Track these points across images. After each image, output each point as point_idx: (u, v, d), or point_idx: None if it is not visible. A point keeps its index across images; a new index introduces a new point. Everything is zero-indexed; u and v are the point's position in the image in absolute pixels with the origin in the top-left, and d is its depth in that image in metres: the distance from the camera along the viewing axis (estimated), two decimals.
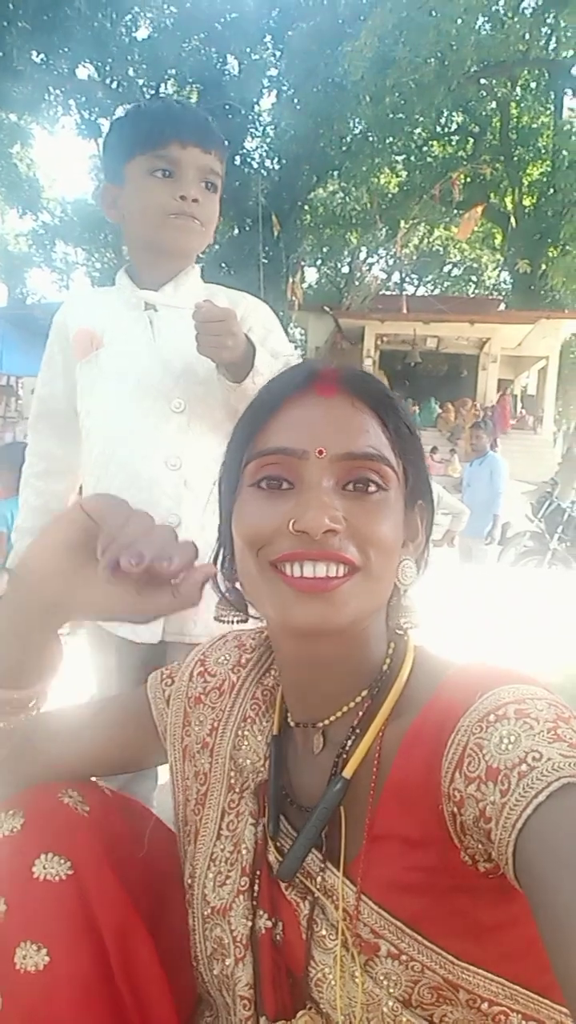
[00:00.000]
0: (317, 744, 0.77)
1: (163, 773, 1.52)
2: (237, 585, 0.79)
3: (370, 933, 0.68)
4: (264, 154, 20.94)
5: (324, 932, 0.70)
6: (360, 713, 0.75)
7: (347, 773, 0.72)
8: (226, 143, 1.40)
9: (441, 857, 0.66)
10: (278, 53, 19.15)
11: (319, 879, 0.72)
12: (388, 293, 20.00)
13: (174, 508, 1.33)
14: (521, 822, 0.56)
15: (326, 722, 0.77)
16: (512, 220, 18.98)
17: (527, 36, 13.81)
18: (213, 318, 1.21)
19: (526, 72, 16.82)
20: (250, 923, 0.74)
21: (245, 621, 0.81)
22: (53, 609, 0.74)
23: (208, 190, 1.36)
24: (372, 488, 0.70)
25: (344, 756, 0.74)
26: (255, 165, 20.43)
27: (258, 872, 0.75)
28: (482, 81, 15.96)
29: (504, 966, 0.66)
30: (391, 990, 0.66)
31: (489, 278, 26.79)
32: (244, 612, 0.80)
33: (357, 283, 21.12)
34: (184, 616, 1.36)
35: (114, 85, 18.61)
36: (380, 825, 0.70)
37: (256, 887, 0.75)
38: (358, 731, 0.74)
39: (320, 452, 0.69)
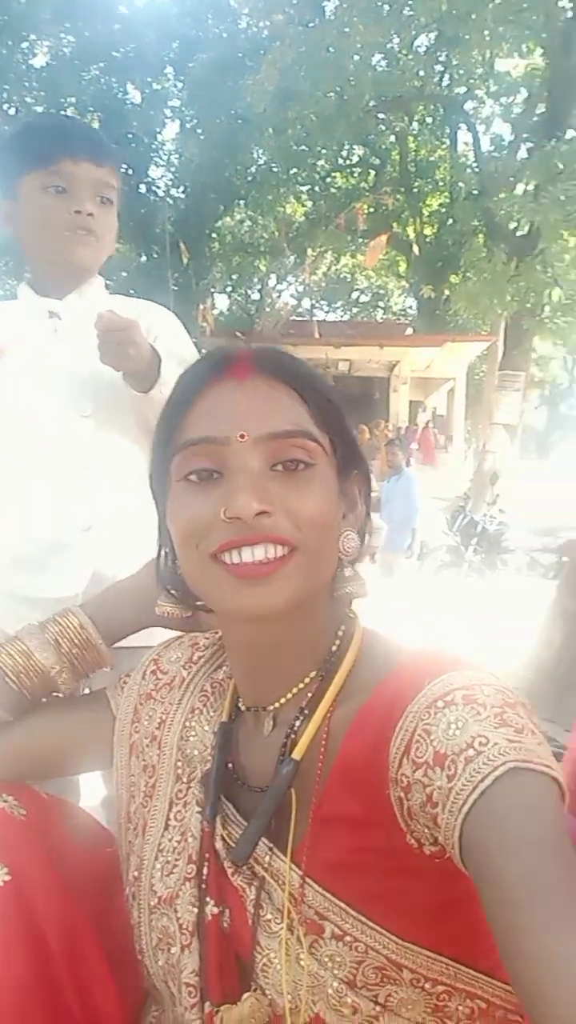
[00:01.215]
0: (267, 726, 0.77)
1: (85, 792, 1.48)
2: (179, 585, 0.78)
3: (315, 915, 0.67)
4: (170, 183, 21.05)
5: (270, 916, 0.69)
6: (309, 694, 0.75)
7: (296, 755, 0.71)
8: (120, 156, 1.41)
9: (387, 839, 0.66)
10: (180, 84, 19.35)
11: (266, 862, 0.70)
12: (299, 319, 20.31)
13: (86, 510, 1.31)
14: (467, 806, 0.57)
15: (276, 704, 0.76)
16: (415, 248, 19.68)
17: (421, 73, 14.42)
18: (114, 327, 1.21)
19: (422, 107, 17.57)
20: (196, 910, 0.72)
21: (190, 616, 0.81)
22: None
23: (103, 204, 1.35)
24: (300, 465, 0.69)
25: (293, 737, 0.73)
26: (161, 193, 20.48)
27: (206, 858, 0.74)
28: (380, 116, 16.55)
29: (447, 946, 0.68)
30: (336, 972, 0.67)
31: (396, 304, 27.68)
32: (189, 606, 0.79)
33: (268, 309, 21.39)
34: None
35: (12, 111, 18.32)
36: (327, 807, 0.69)
37: (204, 874, 0.74)
38: (307, 711, 0.74)
39: (242, 436, 0.68)
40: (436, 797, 0.60)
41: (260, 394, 0.70)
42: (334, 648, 0.77)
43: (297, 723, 0.75)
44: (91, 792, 1.52)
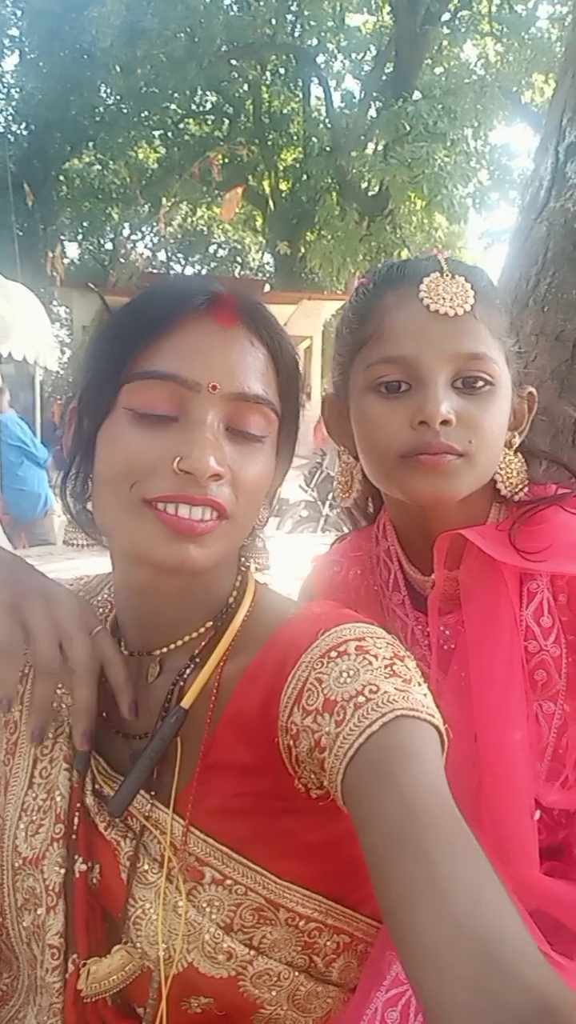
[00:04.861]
0: (152, 673, 0.76)
1: None
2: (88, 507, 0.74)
3: (195, 861, 0.68)
4: (10, 118, 19.56)
5: (147, 867, 0.69)
6: (203, 643, 0.74)
7: (185, 703, 0.71)
8: None
9: (275, 783, 0.68)
10: (19, 12, 17.88)
11: (145, 811, 0.70)
12: (155, 272, 19.72)
13: None
14: (353, 750, 0.59)
15: (164, 650, 0.75)
16: (270, 203, 19.55)
17: (273, 21, 14.20)
18: None
19: (274, 57, 17.30)
20: (63, 870, 0.71)
21: (94, 544, 0.76)
22: None
23: None
24: (255, 433, 0.68)
25: (182, 685, 0.73)
26: (0, 128, 19.02)
27: (76, 814, 0.72)
28: (233, 62, 16.16)
29: (322, 883, 0.70)
30: (213, 916, 0.67)
31: (253, 260, 27.44)
32: (95, 535, 0.74)
33: (122, 260, 20.58)
34: None
35: None
36: (215, 754, 0.70)
37: (74, 831, 0.72)
38: (198, 660, 0.73)
39: (214, 387, 0.65)
40: (324, 742, 0.61)
41: (241, 349, 0.67)
42: (230, 600, 0.76)
43: (187, 671, 0.74)
44: None
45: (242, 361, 0.67)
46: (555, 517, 0.87)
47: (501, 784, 0.83)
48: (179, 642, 0.75)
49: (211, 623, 0.75)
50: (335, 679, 0.63)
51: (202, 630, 0.75)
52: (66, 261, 19.22)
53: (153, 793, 0.71)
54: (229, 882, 0.68)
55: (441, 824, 0.53)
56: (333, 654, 0.65)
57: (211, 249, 27.15)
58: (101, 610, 0.85)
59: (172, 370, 0.65)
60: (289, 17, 15.21)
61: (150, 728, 0.73)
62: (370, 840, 0.55)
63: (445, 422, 0.78)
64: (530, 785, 0.83)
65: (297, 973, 0.70)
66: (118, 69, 15.04)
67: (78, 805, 0.73)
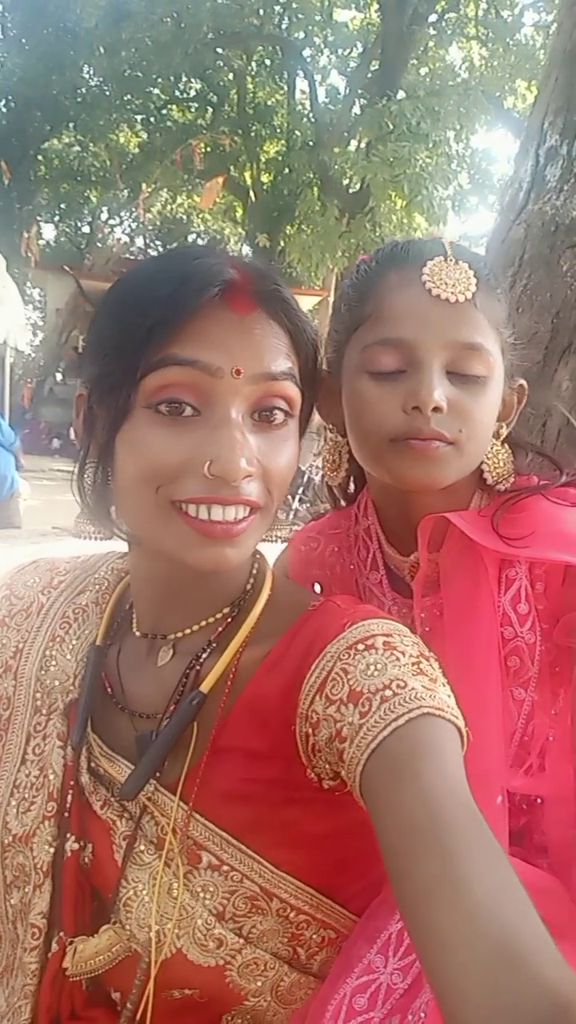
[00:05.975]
0: (164, 656, 0.75)
1: None
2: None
3: (193, 845, 0.68)
4: None
5: (143, 847, 0.69)
6: (220, 629, 0.74)
7: (205, 688, 0.70)
8: None
9: (285, 771, 0.68)
10: None
11: (148, 792, 0.70)
12: (132, 257, 19.50)
13: None
14: (376, 742, 0.59)
15: (179, 634, 0.75)
16: (252, 195, 19.43)
17: (261, 11, 14.12)
18: None
19: (260, 48, 17.19)
20: (53, 848, 0.71)
21: (109, 538, 0.75)
22: None
23: None
24: (279, 418, 0.68)
25: (198, 668, 0.73)
26: None
27: (69, 791, 0.72)
28: (219, 51, 16.02)
29: (316, 875, 0.70)
30: (207, 902, 0.67)
31: (232, 251, 27.24)
32: (109, 528, 0.73)
33: (99, 244, 20.32)
34: None
35: None
36: (225, 738, 0.70)
37: (67, 809, 0.72)
38: (215, 645, 0.73)
39: (237, 372, 0.63)
40: (346, 733, 0.61)
41: (261, 333, 0.66)
42: (248, 587, 0.77)
43: (204, 655, 0.73)
44: None
45: (264, 343, 0.66)
46: (537, 505, 0.88)
47: (471, 767, 0.84)
48: (196, 627, 0.75)
49: (229, 608, 0.75)
50: (362, 671, 0.63)
51: (219, 615, 0.75)
52: (41, 242, 18.94)
53: (157, 775, 0.70)
54: (226, 868, 0.68)
55: (461, 822, 0.53)
56: (360, 647, 0.65)
57: (190, 238, 26.90)
58: (98, 587, 0.84)
59: (194, 356, 0.63)
60: (277, 8, 15.13)
61: (158, 709, 0.73)
62: (388, 834, 0.55)
63: (437, 409, 0.79)
64: (500, 770, 0.84)
65: (281, 964, 0.70)
66: (102, 50, 14.82)
67: (71, 783, 0.73)
